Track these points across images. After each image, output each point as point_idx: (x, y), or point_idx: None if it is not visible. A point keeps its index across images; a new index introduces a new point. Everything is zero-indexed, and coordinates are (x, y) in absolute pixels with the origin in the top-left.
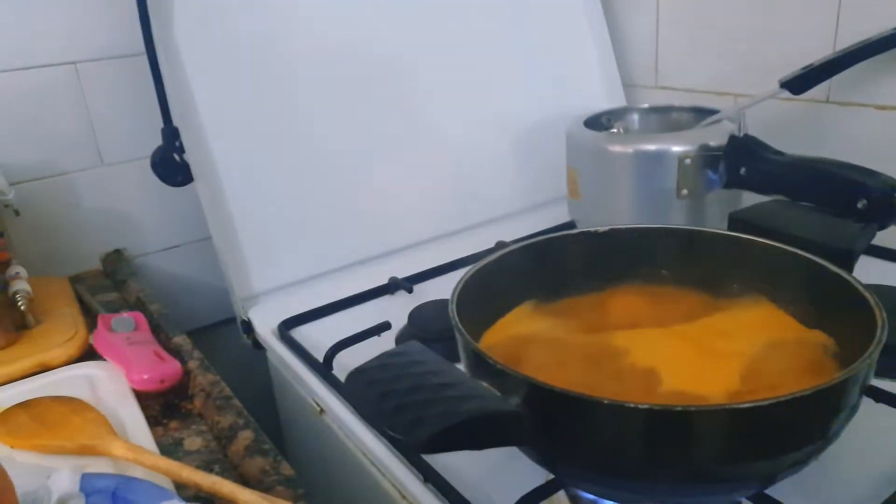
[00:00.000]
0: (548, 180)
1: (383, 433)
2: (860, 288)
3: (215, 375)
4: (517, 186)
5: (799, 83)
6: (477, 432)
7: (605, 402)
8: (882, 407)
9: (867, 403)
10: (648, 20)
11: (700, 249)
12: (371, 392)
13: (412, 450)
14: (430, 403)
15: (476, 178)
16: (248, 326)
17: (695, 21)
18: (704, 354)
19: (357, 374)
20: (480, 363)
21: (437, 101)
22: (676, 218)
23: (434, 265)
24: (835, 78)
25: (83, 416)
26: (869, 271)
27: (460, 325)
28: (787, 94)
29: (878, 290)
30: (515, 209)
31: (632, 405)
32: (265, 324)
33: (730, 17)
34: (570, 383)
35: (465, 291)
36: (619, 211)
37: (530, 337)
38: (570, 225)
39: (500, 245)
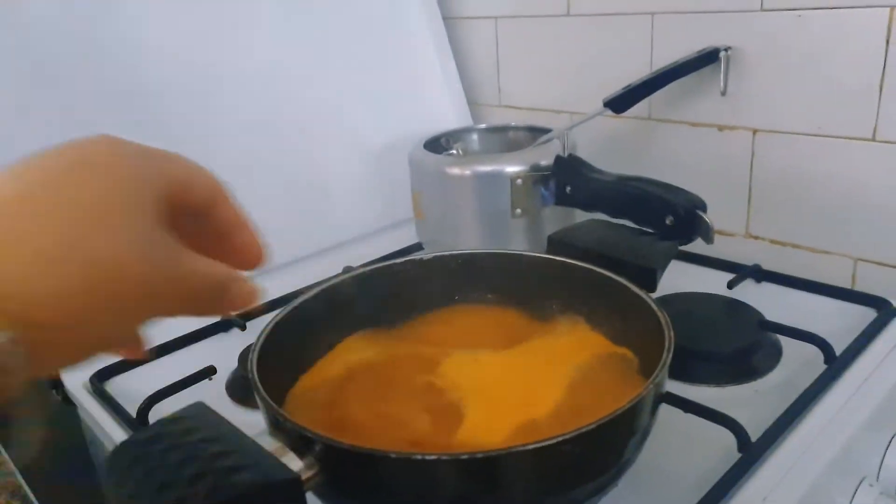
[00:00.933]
0: (398, 202)
1: None
2: (655, 309)
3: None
4: (367, 208)
5: (620, 102)
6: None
7: (394, 455)
8: (691, 417)
9: (675, 413)
10: (489, 41)
11: (520, 272)
12: (133, 471)
13: None
14: (198, 478)
15: (324, 201)
16: (56, 381)
17: (529, 43)
18: (517, 383)
19: (123, 448)
20: (274, 421)
21: (283, 125)
22: (514, 236)
23: (271, 298)
24: (655, 97)
25: None
26: (684, 277)
27: (256, 380)
28: (611, 112)
29: (688, 297)
30: (365, 231)
31: (419, 457)
32: (76, 376)
33: (559, 40)
34: (379, 424)
35: (276, 336)
36: (460, 231)
37: (349, 373)
38: (418, 246)
39: (347, 270)
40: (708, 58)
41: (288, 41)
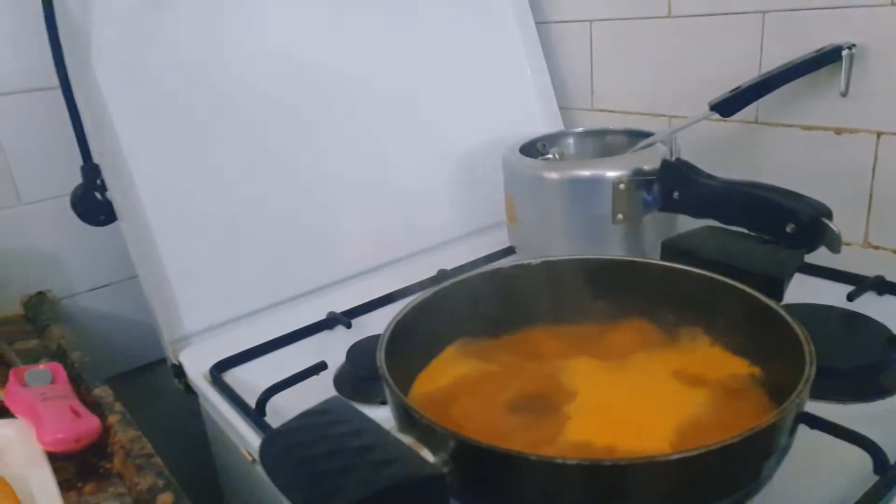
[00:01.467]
0: (488, 206)
1: None
2: (790, 321)
3: (136, 431)
4: (458, 213)
5: (727, 105)
6: (398, 498)
7: (533, 458)
8: (817, 433)
9: (802, 430)
10: (582, 45)
11: (635, 280)
12: (286, 460)
13: None
14: (347, 471)
15: (417, 206)
16: (179, 370)
17: (626, 46)
18: (638, 398)
19: (273, 439)
20: (408, 417)
21: (376, 130)
22: (613, 242)
23: (374, 297)
24: (762, 100)
25: None
26: (799, 289)
27: (388, 377)
28: (717, 116)
29: (805, 308)
30: (456, 235)
31: (560, 461)
32: (197, 367)
33: (659, 43)
34: (501, 432)
35: (396, 335)
36: (556, 236)
37: (466, 378)
38: (510, 250)
39: (442, 274)
40: (828, 57)
41: (382, 47)
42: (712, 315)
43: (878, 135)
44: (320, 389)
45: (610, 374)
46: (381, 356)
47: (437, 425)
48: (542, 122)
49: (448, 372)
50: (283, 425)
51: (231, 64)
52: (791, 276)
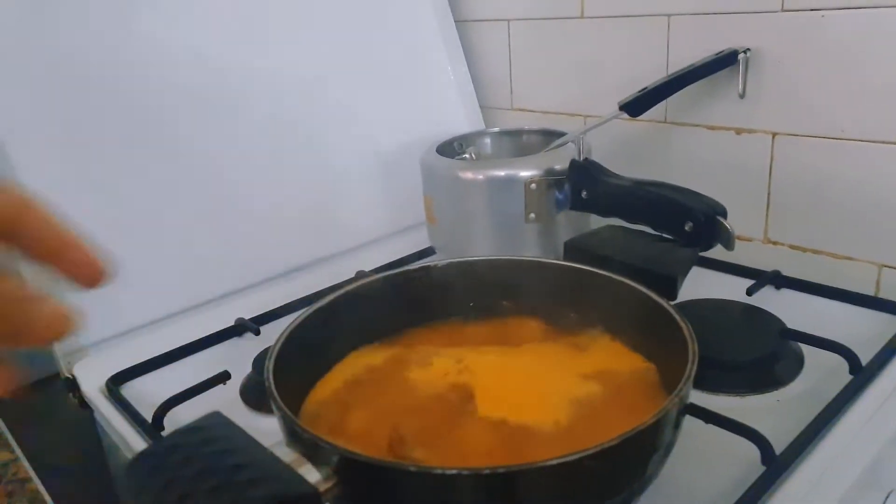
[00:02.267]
0: (410, 206)
1: None
2: (678, 319)
3: (12, 454)
4: (380, 213)
5: (635, 105)
6: None
7: (413, 469)
8: (713, 427)
9: (697, 424)
10: (501, 44)
11: (538, 279)
12: (153, 481)
13: None
14: (215, 491)
15: (336, 207)
16: (72, 384)
17: (542, 45)
18: (534, 382)
19: (140, 459)
20: (292, 431)
21: (292, 129)
22: (528, 241)
23: (286, 301)
24: (671, 101)
25: None
26: (702, 284)
27: (274, 389)
28: (626, 115)
29: (706, 303)
30: (378, 236)
31: (439, 471)
32: (93, 380)
33: (573, 43)
34: (396, 431)
35: (290, 344)
36: (473, 236)
37: (363, 379)
38: (430, 251)
39: (360, 275)
40: (726, 60)
41: (300, 45)
42: (612, 313)
43: (773, 135)
44: (227, 400)
45: (510, 368)
46: (269, 367)
47: (320, 439)
48: (465, 121)
49: (346, 377)
50: (154, 444)
51: (129, 64)
52: (685, 273)
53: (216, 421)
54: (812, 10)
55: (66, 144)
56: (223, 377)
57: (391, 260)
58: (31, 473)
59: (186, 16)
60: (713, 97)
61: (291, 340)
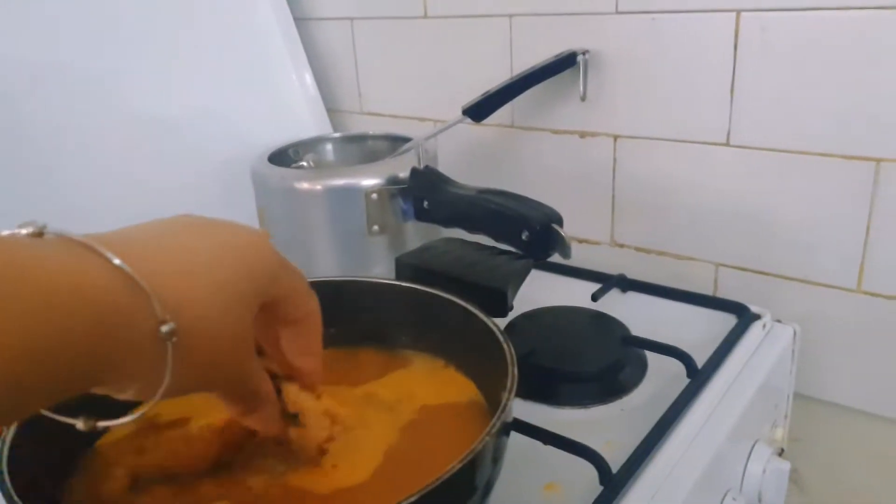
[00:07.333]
0: (249, 220)
1: None
2: (501, 340)
3: None
4: None
5: (479, 109)
6: None
7: None
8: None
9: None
10: (346, 44)
11: (366, 301)
12: None
13: None
14: None
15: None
16: None
17: (388, 46)
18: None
19: None
20: None
21: (114, 138)
22: (373, 255)
23: None
24: (517, 105)
25: None
26: (551, 290)
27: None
28: (470, 120)
29: (551, 311)
30: None
31: None
32: None
33: (418, 44)
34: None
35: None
36: (312, 252)
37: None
38: None
39: None
40: (566, 62)
41: (121, 46)
42: (443, 335)
43: (615, 138)
44: None
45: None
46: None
47: None
48: (311, 126)
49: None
50: None
51: None
52: (518, 286)
53: None
54: (644, 12)
55: None
56: None
57: None
58: None
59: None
60: (557, 100)
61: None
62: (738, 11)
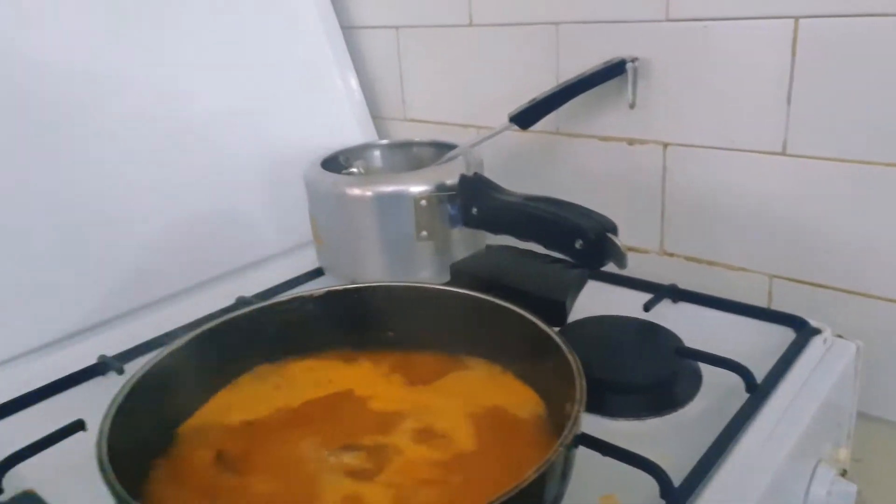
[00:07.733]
0: (299, 224)
1: None
2: (566, 351)
3: None
4: (265, 232)
5: (525, 117)
6: None
7: None
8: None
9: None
10: (391, 52)
11: (424, 307)
12: None
13: None
14: None
15: (217, 226)
16: None
17: (433, 54)
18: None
19: None
20: None
21: (168, 142)
22: (421, 260)
23: (156, 335)
24: (563, 111)
25: None
26: (600, 300)
27: (107, 464)
28: (516, 127)
29: (602, 321)
30: (262, 257)
31: None
32: None
33: (464, 51)
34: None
35: (135, 394)
36: (362, 256)
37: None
38: (319, 272)
39: (240, 301)
40: (615, 69)
41: (174, 51)
42: (500, 342)
43: (665, 145)
44: (83, 456)
45: (394, 408)
46: (104, 427)
47: None
48: (356, 133)
49: (217, 419)
50: None
51: None
52: (575, 296)
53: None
54: (695, 20)
55: None
56: (76, 427)
57: (277, 283)
58: None
59: (52, 16)
60: (604, 107)
61: (135, 392)
62: (797, 18)
